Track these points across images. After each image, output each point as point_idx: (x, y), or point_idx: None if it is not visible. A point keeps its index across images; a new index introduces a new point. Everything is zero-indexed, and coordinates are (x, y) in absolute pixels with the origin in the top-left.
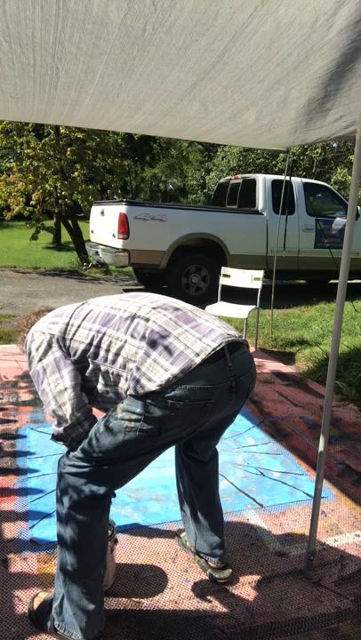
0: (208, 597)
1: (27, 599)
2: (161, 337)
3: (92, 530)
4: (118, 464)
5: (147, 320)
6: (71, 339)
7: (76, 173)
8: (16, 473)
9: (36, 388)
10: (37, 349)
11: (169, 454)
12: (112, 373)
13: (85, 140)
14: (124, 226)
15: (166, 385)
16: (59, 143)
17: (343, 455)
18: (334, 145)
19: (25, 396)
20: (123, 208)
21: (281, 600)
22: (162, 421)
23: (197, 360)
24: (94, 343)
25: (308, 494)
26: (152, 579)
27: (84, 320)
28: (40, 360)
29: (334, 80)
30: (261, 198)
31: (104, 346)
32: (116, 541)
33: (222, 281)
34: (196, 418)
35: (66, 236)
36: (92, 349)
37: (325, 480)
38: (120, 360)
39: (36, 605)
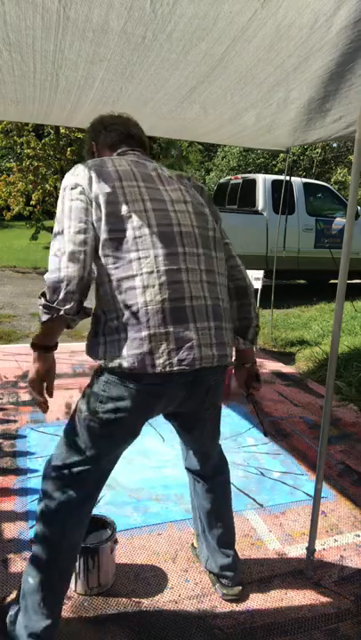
0: (208, 597)
1: None
2: (140, 328)
3: (64, 537)
4: (91, 461)
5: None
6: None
7: None
8: (16, 473)
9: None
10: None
11: (169, 454)
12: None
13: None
14: None
15: (119, 370)
16: (59, 143)
17: (343, 455)
18: (334, 145)
19: (25, 396)
20: None
21: (281, 600)
22: (116, 401)
23: (150, 370)
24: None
25: (308, 494)
26: (152, 579)
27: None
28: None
29: (334, 80)
30: (261, 198)
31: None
32: (116, 541)
33: None
34: (149, 403)
35: None
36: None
37: (325, 480)
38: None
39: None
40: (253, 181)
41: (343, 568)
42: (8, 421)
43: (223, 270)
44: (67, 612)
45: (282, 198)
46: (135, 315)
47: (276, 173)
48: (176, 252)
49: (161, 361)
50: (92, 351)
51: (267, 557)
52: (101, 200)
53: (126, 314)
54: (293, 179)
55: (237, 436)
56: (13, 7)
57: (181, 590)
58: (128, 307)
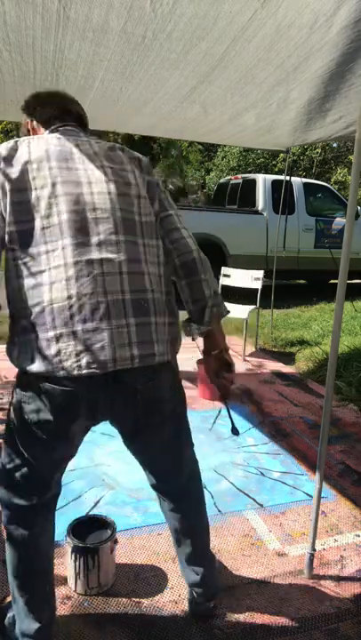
0: None
1: None
2: (47, 328)
3: (28, 542)
4: (26, 465)
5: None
6: None
7: None
8: None
9: None
10: None
11: None
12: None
13: None
14: None
15: (31, 373)
16: None
17: (343, 455)
18: (334, 145)
19: None
20: None
21: (281, 600)
22: (37, 402)
23: (59, 373)
24: None
25: (308, 494)
26: (152, 579)
27: None
28: None
29: (334, 80)
30: (261, 198)
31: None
32: (116, 541)
33: (222, 281)
34: (68, 406)
35: None
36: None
37: (325, 480)
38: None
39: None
40: (253, 181)
41: (343, 568)
42: None
43: (155, 258)
44: (67, 611)
45: (282, 198)
46: (42, 314)
47: (276, 173)
48: (88, 241)
49: (69, 363)
50: (9, 353)
51: (267, 557)
52: (7, 187)
53: (34, 313)
54: (293, 179)
55: (237, 435)
56: (13, 7)
57: (181, 590)
58: (36, 305)
